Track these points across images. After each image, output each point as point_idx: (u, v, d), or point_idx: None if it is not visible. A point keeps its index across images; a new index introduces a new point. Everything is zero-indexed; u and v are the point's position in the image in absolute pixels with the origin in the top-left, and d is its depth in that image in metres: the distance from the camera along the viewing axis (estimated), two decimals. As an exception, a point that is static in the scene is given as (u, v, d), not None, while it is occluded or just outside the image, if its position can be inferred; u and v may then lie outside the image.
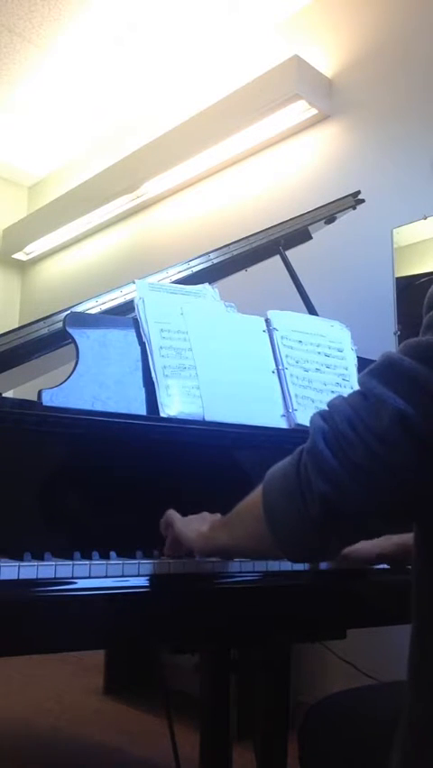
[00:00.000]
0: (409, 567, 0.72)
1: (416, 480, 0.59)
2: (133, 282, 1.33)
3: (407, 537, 0.78)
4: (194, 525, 0.89)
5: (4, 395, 0.97)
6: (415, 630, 0.69)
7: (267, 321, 1.35)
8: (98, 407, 1.07)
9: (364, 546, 1.00)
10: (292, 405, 1.26)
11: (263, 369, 1.29)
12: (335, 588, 1.01)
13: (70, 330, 1.13)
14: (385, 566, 1.04)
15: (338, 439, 0.62)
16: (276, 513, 0.68)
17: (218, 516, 0.90)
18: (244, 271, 1.75)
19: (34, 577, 0.77)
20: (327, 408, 0.66)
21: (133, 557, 0.89)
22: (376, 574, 1.04)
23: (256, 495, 0.72)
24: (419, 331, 0.65)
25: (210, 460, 1.12)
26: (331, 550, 0.72)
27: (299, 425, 1.24)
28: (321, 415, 0.66)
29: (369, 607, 1.04)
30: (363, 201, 1.99)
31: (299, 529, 0.66)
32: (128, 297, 1.36)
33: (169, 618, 0.85)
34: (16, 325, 1.26)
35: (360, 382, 0.64)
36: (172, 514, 0.93)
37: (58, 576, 0.79)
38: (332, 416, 0.64)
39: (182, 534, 0.89)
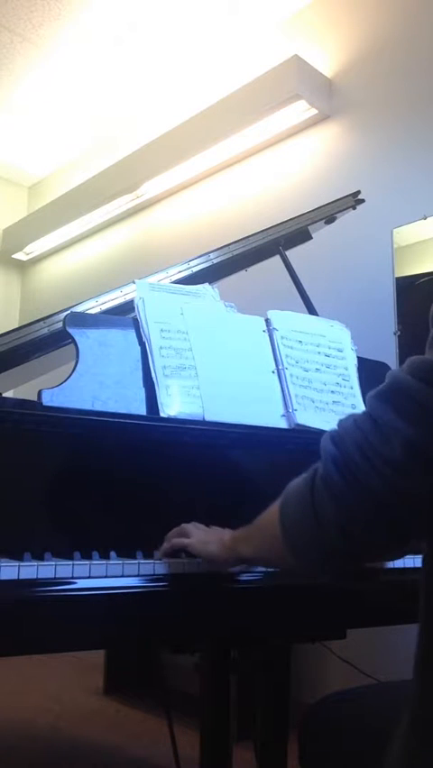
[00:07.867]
0: (409, 567, 0.72)
1: (430, 504, 0.60)
2: (133, 282, 1.33)
3: None
4: (212, 537, 0.90)
5: (4, 395, 0.97)
6: (423, 628, 0.69)
7: (267, 321, 1.35)
8: (98, 407, 1.07)
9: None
10: (292, 405, 1.26)
11: (263, 369, 1.28)
12: (335, 588, 1.01)
13: (70, 330, 1.13)
14: (385, 566, 1.04)
15: (350, 467, 0.63)
16: (293, 536, 0.70)
17: (228, 531, 0.91)
18: (244, 271, 1.75)
19: (34, 577, 0.77)
20: (336, 430, 0.67)
21: (133, 557, 0.89)
22: (377, 574, 1.04)
23: (273, 514, 0.73)
24: (426, 344, 0.65)
25: (210, 460, 1.12)
26: (348, 568, 0.75)
27: (298, 425, 1.24)
28: (332, 439, 0.66)
29: (369, 607, 1.04)
30: (363, 201, 1.99)
31: (315, 551, 0.68)
32: (128, 297, 1.36)
33: (169, 618, 0.85)
34: (16, 325, 1.26)
35: (369, 405, 0.64)
36: (188, 527, 0.94)
37: (58, 576, 0.79)
38: (343, 441, 0.64)
39: (201, 543, 0.90)
